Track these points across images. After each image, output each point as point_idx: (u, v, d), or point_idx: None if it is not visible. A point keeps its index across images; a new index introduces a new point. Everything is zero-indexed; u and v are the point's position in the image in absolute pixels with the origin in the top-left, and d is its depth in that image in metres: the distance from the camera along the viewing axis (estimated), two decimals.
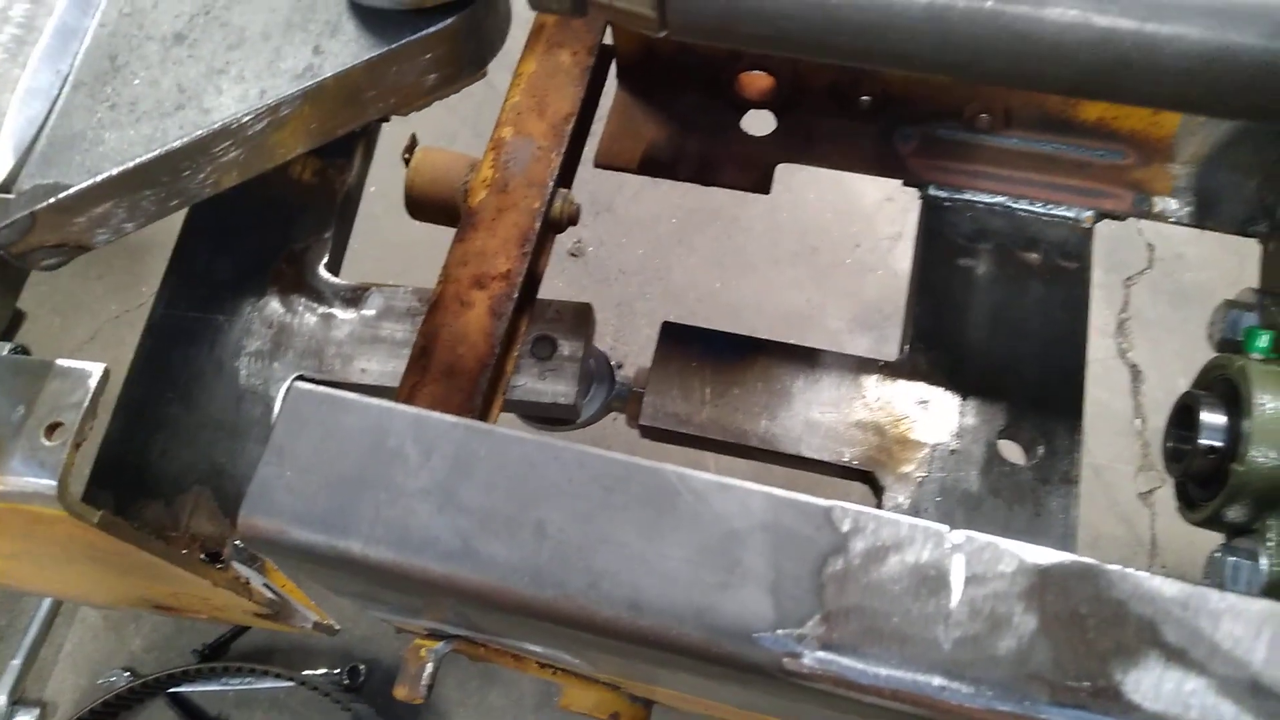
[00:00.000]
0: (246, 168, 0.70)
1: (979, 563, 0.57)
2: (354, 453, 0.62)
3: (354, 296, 1.41)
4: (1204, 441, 1.07)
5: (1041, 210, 1.36)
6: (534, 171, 1.00)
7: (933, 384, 1.26)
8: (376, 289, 1.41)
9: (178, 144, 0.67)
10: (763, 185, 1.36)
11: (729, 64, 1.33)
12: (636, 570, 0.58)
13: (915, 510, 1.20)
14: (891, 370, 1.28)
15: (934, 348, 1.29)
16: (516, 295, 0.94)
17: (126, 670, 1.87)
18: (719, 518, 0.59)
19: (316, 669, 1.86)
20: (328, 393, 0.64)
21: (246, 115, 0.67)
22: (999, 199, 1.36)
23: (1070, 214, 1.35)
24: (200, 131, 0.67)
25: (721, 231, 2.17)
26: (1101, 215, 1.34)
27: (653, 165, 1.40)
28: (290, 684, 1.83)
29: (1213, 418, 1.07)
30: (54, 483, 0.64)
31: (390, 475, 0.62)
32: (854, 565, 0.57)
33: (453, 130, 2.28)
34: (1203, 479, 1.10)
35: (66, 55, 0.70)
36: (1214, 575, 1.04)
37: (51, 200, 0.66)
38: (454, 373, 0.91)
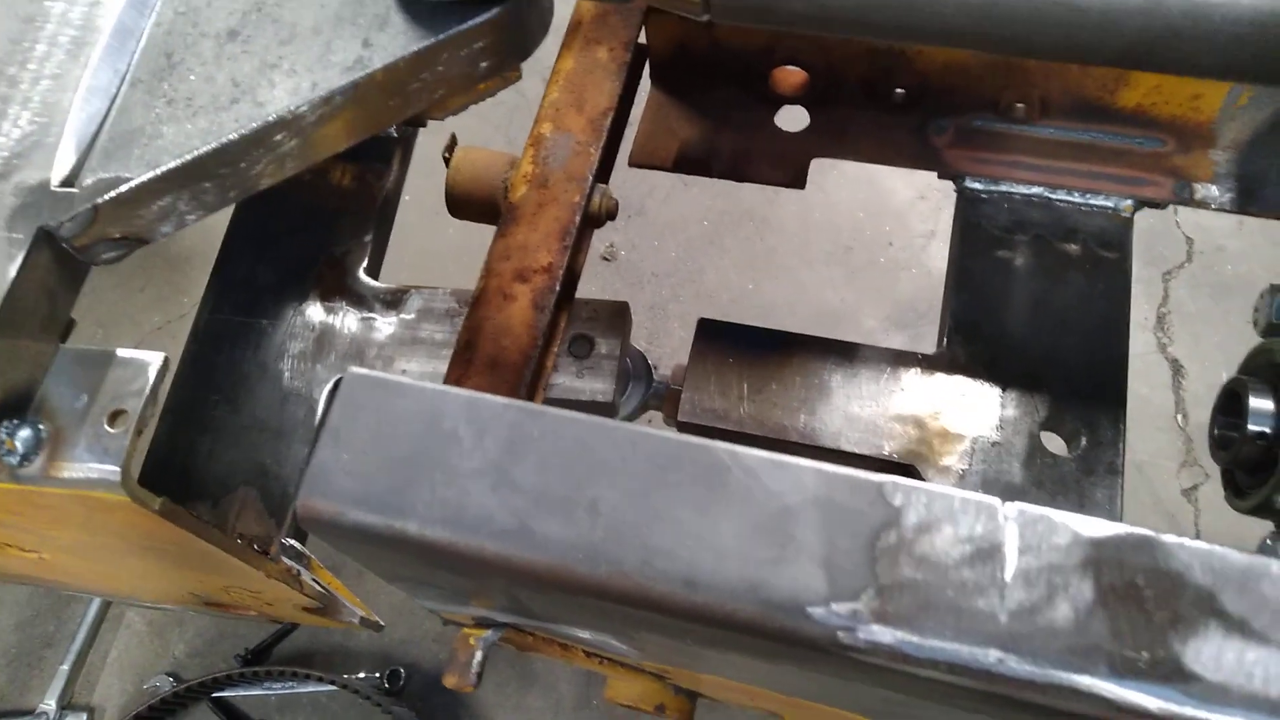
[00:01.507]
0: (301, 159, 0.72)
1: (1033, 535, 0.57)
2: (409, 435, 0.63)
3: (394, 299, 1.43)
4: (1253, 428, 1.05)
5: (1080, 200, 1.35)
6: (574, 166, 1.01)
7: (972, 376, 1.25)
8: (415, 291, 1.43)
9: (234, 137, 0.68)
10: (798, 180, 1.37)
11: (762, 59, 1.34)
12: (690, 546, 0.58)
13: None
14: (930, 363, 1.27)
15: (973, 340, 1.28)
16: (558, 288, 0.95)
17: (170, 675, 1.90)
18: (771, 494, 0.59)
19: (357, 673, 1.87)
20: (382, 377, 0.65)
21: (300, 107, 0.69)
22: (1036, 189, 1.35)
23: (1109, 203, 1.34)
24: (255, 124, 0.68)
25: (753, 232, 2.18)
26: (1141, 203, 1.33)
27: (687, 163, 1.41)
28: (331, 688, 1.85)
29: (1261, 403, 1.05)
30: (117, 468, 0.65)
31: (445, 456, 0.62)
32: (907, 539, 0.57)
33: (485, 136, 2.30)
34: (1251, 466, 1.08)
35: (124, 54, 0.72)
36: None
37: (113, 194, 0.67)
38: (498, 365, 0.92)
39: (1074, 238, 1.35)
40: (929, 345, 1.31)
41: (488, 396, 0.64)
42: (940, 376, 1.26)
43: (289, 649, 1.91)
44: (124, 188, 0.67)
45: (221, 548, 0.78)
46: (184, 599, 1.06)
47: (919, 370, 1.27)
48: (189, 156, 0.68)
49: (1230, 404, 1.10)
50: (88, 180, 0.68)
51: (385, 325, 1.42)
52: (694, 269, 2.18)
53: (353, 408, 0.65)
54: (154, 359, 0.68)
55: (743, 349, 1.32)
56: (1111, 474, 1.19)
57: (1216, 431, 1.13)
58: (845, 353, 1.29)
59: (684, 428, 1.29)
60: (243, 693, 1.89)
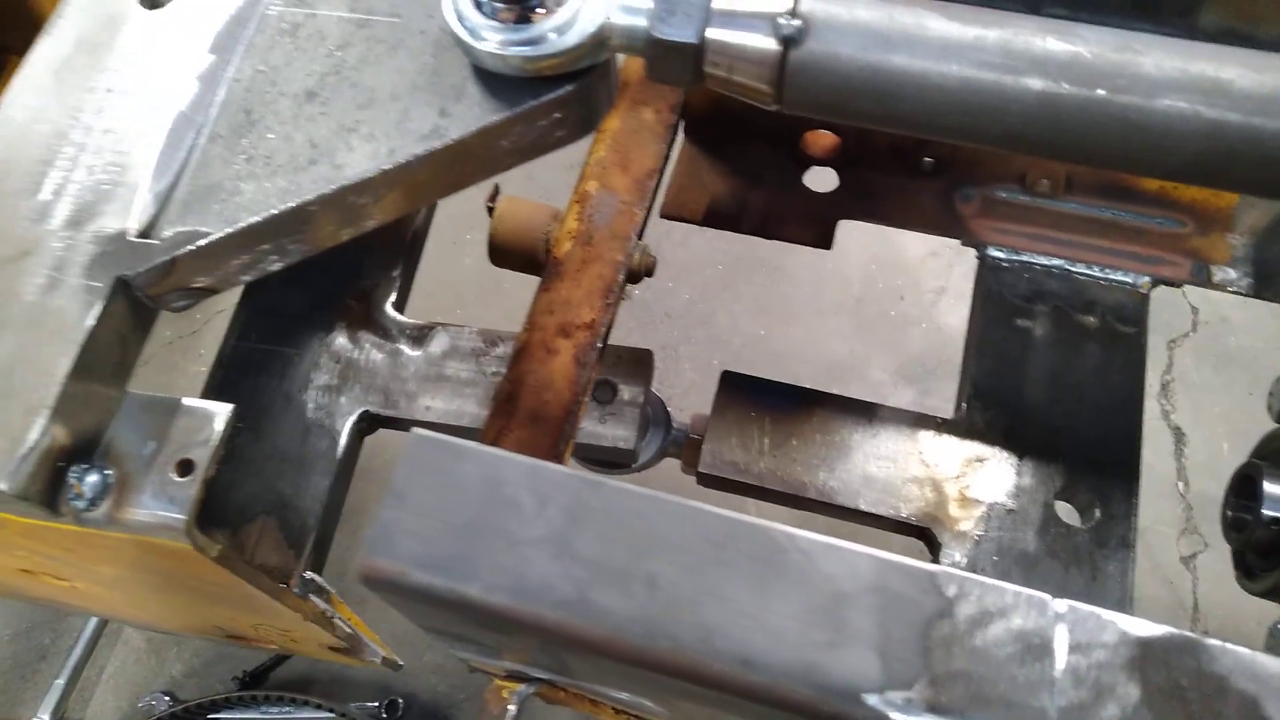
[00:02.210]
0: (374, 218, 0.74)
1: (1082, 632, 0.58)
2: (471, 500, 0.65)
3: (420, 335, 1.44)
4: (1267, 513, 1.08)
5: (1099, 274, 1.38)
6: (618, 225, 1.03)
7: (990, 443, 1.28)
8: (442, 328, 1.44)
9: (311, 197, 0.70)
10: (824, 241, 1.39)
11: (796, 122, 1.37)
12: (747, 626, 0.60)
13: (972, 568, 1.21)
14: (949, 427, 1.29)
15: (991, 407, 1.30)
16: (600, 345, 0.97)
17: (167, 695, 1.89)
18: (827, 578, 0.61)
19: (355, 701, 1.87)
20: (446, 440, 0.67)
21: (376, 173, 0.71)
22: (1057, 262, 1.38)
23: (1128, 279, 1.37)
24: (333, 187, 0.70)
25: (767, 279, 2.20)
26: (1159, 281, 1.36)
27: (717, 217, 1.44)
28: (329, 715, 1.84)
29: (1275, 489, 1.08)
30: (184, 517, 0.66)
31: (506, 523, 0.64)
32: (960, 630, 0.59)
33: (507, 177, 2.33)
34: (1264, 549, 1.11)
35: (203, 107, 0.74)
36: (1276, 648, 1.05)
37: (192, 247, 0.69)
38: (539, 419, 0.94)
39: (1092, 310, 1.37)
40: (937, 400, 1.33)
41: (549, 465, 0.66)
42: (959, 441, 1.28)
43: (287, 673, 1.91)
44: (203, 242, 0.69)
45: (268, 593, 0.79)
46: (208, 631, 1.06)
47: (937, 433, 1.29)
48: (267, 214, 0.69)
49: (1244, 487, 1.12)
50: (166, 232, 0.70)
51: (411, 361, 1.43)
52: (706, 311, 2.20)
53: (416, 469, 0.66)
54: (221, 410, 0.70)
55: (765, 403, 1.34)
56: (1124, 547, 1.21)
57: (1229, 514, 1.15)
58: (866, 412, 1.31)
59: (704, 479, 1.30)
60: (239, 716, 1.88)
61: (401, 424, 1.38)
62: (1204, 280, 1.32)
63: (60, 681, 1.89)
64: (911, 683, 0.57)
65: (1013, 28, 0.62)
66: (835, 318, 2.15)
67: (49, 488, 0.64)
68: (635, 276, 1.07)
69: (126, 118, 0.75)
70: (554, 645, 0.64)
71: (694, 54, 0.67)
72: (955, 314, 2.13)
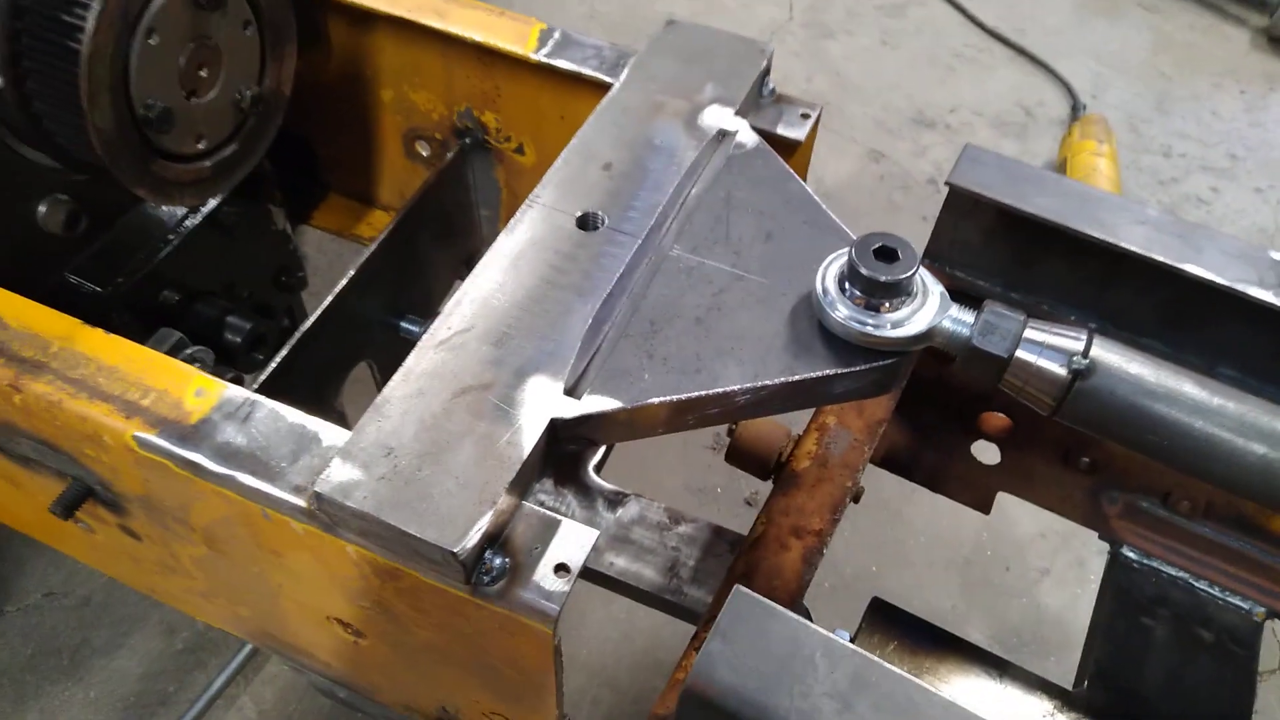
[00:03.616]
0: (720, 420, 0.98)
1: None
2: (777, 651, 0.84)
3: (615, 499, 1.66)
4: None
5: (1218, 594, 1.54)
6: (849, 457, 1.26)
7: None
8: (635, 498, 1.66)
9: (694, 395, 0.95)
10: (984, 506, 1.60)
11: (977, 402, 1.61)
12: None
13: None
14: (1070, 701, 1.44)
15: (1111, 689, 1.45)
16: (824, 551, 1.18)
17: None
18: None
19: None
20: (762, 600, 0.87)
21: (741, 388, 0.95)
22: (1182, 574, 1.56)
23: (1244, 605, 1.53)
24: (708, 391, 0.95)
25: (885, 521, 2.40)
26: (1273, 614, 1.52)
27: (890, 463, 1.67)
28: None
29: None
30: (556, 608, 0.87)
31: (803, 675, 0.83)
32: None
33: None
34: None
35: (615, 310, 1.01)
36: None
37: (604, 409, 0.94)
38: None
39: (1209, 626, 1.53)
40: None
41: (838, 640, 0.86)
42: (1078, 717, 1.42)
43: None
44: (613, 408, 0.94)
45: (555, 685, 0.98)
46: (430, 710, 1.23)
47: (1061, 704, 1.43)
48: (662, 400, 0.94)
49: None
50: (585, 394, 0.95)
51: (603, 521, 1.65)
52: None
53: (736, 616, 0.87)
54: (591, 534, 0.92)
55: (906, 635, 1.51)
56: None
57: None
58: (999, 666, 1.47)
59: None
60: None
61: (585, 573, 1.58)
62: None
63: None
64: None
65: (1248, 405, 0.85)
66: (944, 572, 2.31)
67: (475, 562, 0.86)
68: (852, 499, 1.28)
69: (560, 304, 1.02)
70: None
71: (1001, 365, 0.92)
72: (1055, 597, 2.28)
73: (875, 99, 3.78)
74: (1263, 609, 1.54)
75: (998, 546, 2.36)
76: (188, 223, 1.62)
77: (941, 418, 1.66)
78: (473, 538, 0.84)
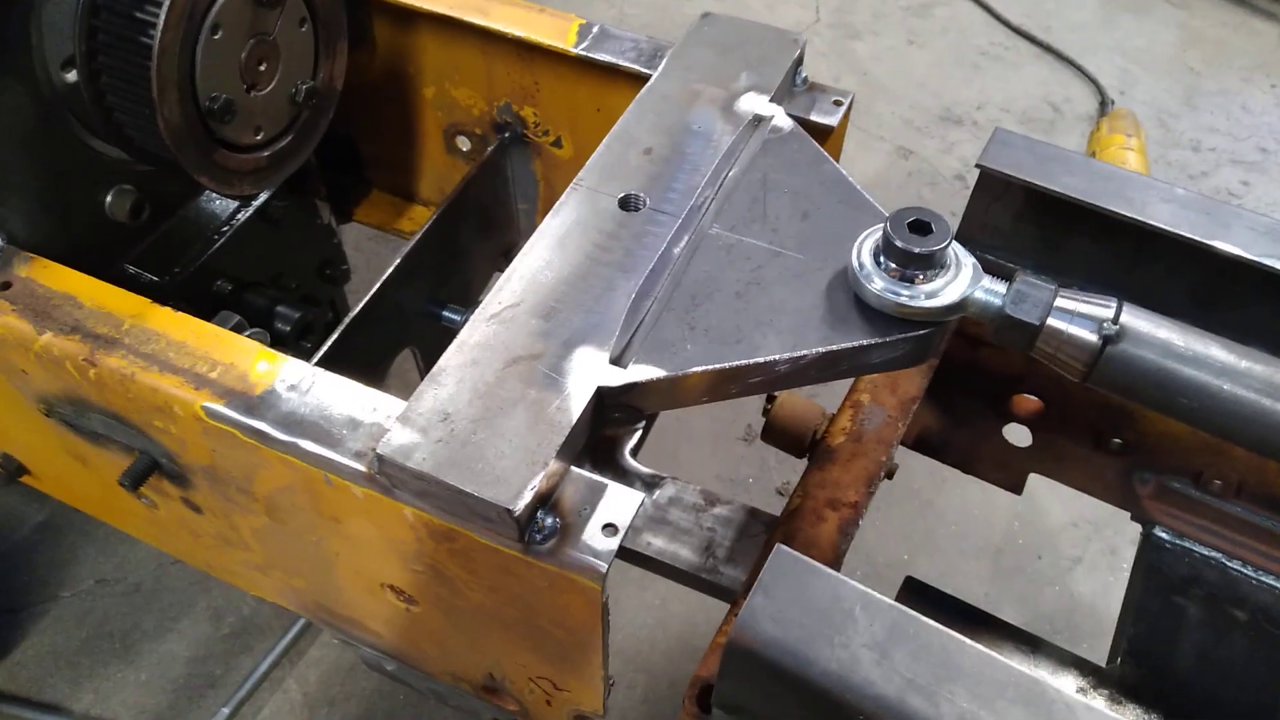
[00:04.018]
0: (761, 390, 1.02)
1: None
2: (818, 605, 0.88)
3: (652, 482, 1.70)
4: None
5: (1251, 573, 1.56)
6: (883, 432, 1.30)
7: (1139, 701, 1.43)
8: (670, 480, 1.70)
9: (733, 364, 0.99)
10: (1016, 487, 1.63)
11: (1009, 384, 1.63)
12: None
13: None
14: (1103, 677, 1.46)
15: (1143, 666, 1.47)
16: (859, 523, 1.21)
17: None
18: None
19: None
20: (802, 558, 0.91)
21: (780, 361, 0.99)
22: (1215, 554, 1.57)
23: (1278, 584, 1.54)
24: (748, 361, 0.99)
25: (916, 510, 2.42)
26: None
27: (922, 444, 1.69)
28: None
29: None
30: (605, 565, 0.91)
31: (843, 627, 0.87)
32: None
33: None
34: None
35: (656, 284, 1.05)
36: None
37: (648, 378, 0.98)
38: None
39: (1242, 605, 1.54)
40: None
41: (876, 594, 0.89)
42: (1111, 692, 1.44)
43: None
44: (657, 376, 0.98)
45: (601, 645, 1.02)
46: (476, 677, 1.28)
47: (1095, 680, 1.45)
48: (705, 368, 0.98)
49: None
50: (630, 364, 0.99)
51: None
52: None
53: (778, 573, 0.90)
54: (638, 497, 0.96)
55: (939, 613, 1.52)
56: None
57: None
58: (1030, 642, 1.49)
59: None
60: None
61: (623, 553, 1.62)
62: None
63: (226, 710, 2.09)
64: None
65: (1275, 366, 0.88)
66: (976, 561, 2.33)
67: (528, 520, 0.91)
68: (885, 476, 1.32)
69: (604, 280, 1.06)
70: None
71: (1033, 332, 0.95)
72: (1087, 584, 2.29)
73: (903, 98, 3.80)
74: None
75: (1029, 535, 2.37)
76: (239, 216, 1.68)
77: (973, 401, 1.69)
78: (526, 496, 0.89)
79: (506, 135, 1.83)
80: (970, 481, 1.68)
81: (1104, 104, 3.73)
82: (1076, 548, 2.35)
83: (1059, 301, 0.95)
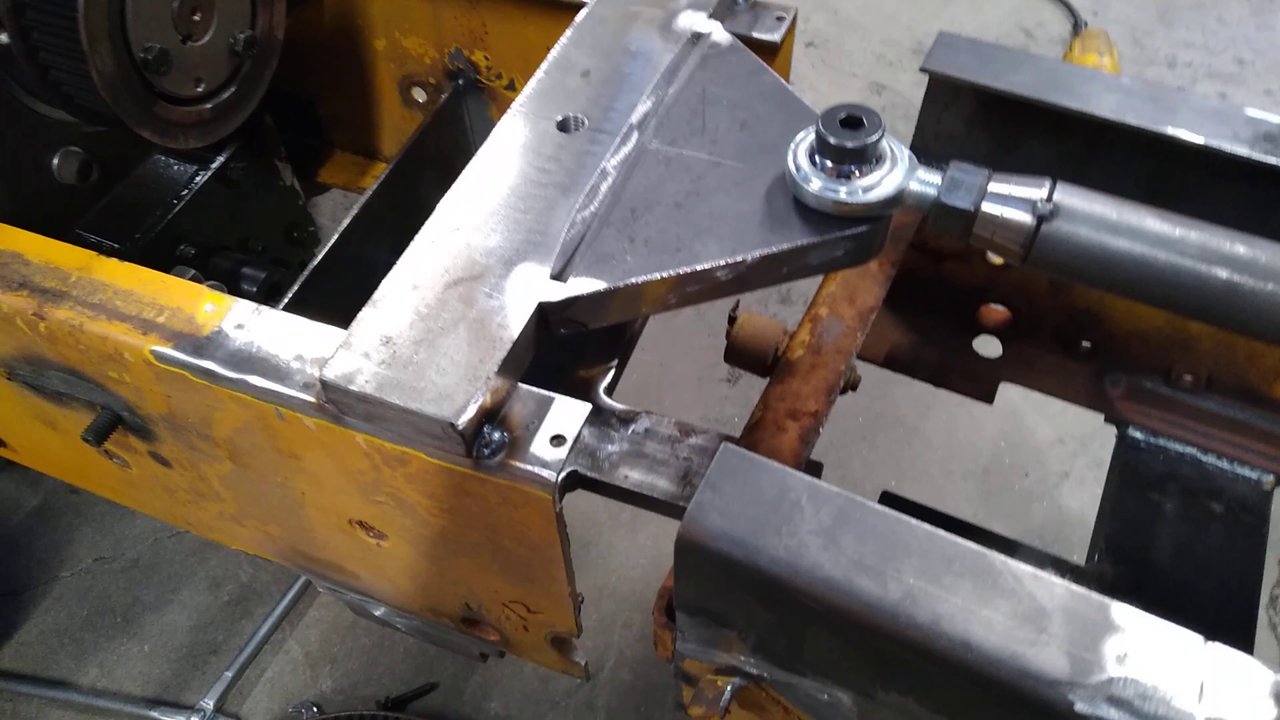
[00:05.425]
0: (704, 297, 1.02)
1: (1227, 672, 0.78)
2: (764, 497, 0.89)
3: (627, 418, 1.70)
4: None
5: (1227, 466, 1.57)
6: (841, 343, 1.30)
7: (1116, 596, 1.44)
8: (645, 414, 1.70)
9: (675, 272, 0.99)
10: (988, 396, 1.63)
11: (975, 295, 1.63)
12: (969, 620, 0.81)
13: None
14: (1080, 574, 1.47)
15: (1121, 563, 1.48)
16: (819, 430, 1.22)
17: (315, 705, 2.09)
18: (1030, 595, 0.82)
19: None
20: (748, 454, 0.92)
21: (721, 263, 0.99)
22: (1189, 449, 1.58)
23: (1253, 474, 1.55)
24: (690, 268, 0.99)
25: (902, 437, 2.43)
26: None
27: (894, 363, 1.70)
28: None
29: None
30: (555, 474, 0.92)
31: (790, 517, 0.87)
32: (1128, 647, 0.79)
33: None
34: None
35: (594, 201, 1.05)
36: None
37: (590, 291, 0.98)
38: None
39: (1218, 497, 1.56)
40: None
41: (823, 484, 0.90)
42: (1089, 588, 1.45)
43: (425, 706, 2.09)
44: (598, 289, 0.98)
45: (563, 559, 1.03)
46: (451, 608, 1.29)
47: (1073, 578, 1.46)
48: (646, 279, 0.98)
49: None
50: (571, 278, 0.99)
51: (617, 437, 1.69)
52: (843, 456, 2.42)
53: (726, 470, 0.91)
54: (584, 409, 0.97)
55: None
56: None
57: None
58: (1008, 546, 1.50)
59: None
60: None
61: (601, 487, 1.63)
62: None
63: (229, 674, 2.12)
64: (1092, 679, 0.77)
65: (1208, 232, 0.88)
66: (963, 482, 2.34)
67: (474, 435, 0.91)
68: (846, 387, 1.32)
69: (544, 200, 1.06)
70: (813, 616, 0.86)
71: (968, 219, 0.95)
72: (1077, 498, 2.30)
73: (874, 33, 3.76)
74: (1271, 476, 1.56)
75: (1016, 455, 2.38)
76: (198, 179, 1.68)
77: (941, 315, 1.69)
78: (470, 410, 0.89)
79: (460, 82, 1.81)
80: (956, 406, 1.69)
81: (1077, 25, 3.69)
82: (1063, 463, 2.36)
83: (992, 186, 0.94)
